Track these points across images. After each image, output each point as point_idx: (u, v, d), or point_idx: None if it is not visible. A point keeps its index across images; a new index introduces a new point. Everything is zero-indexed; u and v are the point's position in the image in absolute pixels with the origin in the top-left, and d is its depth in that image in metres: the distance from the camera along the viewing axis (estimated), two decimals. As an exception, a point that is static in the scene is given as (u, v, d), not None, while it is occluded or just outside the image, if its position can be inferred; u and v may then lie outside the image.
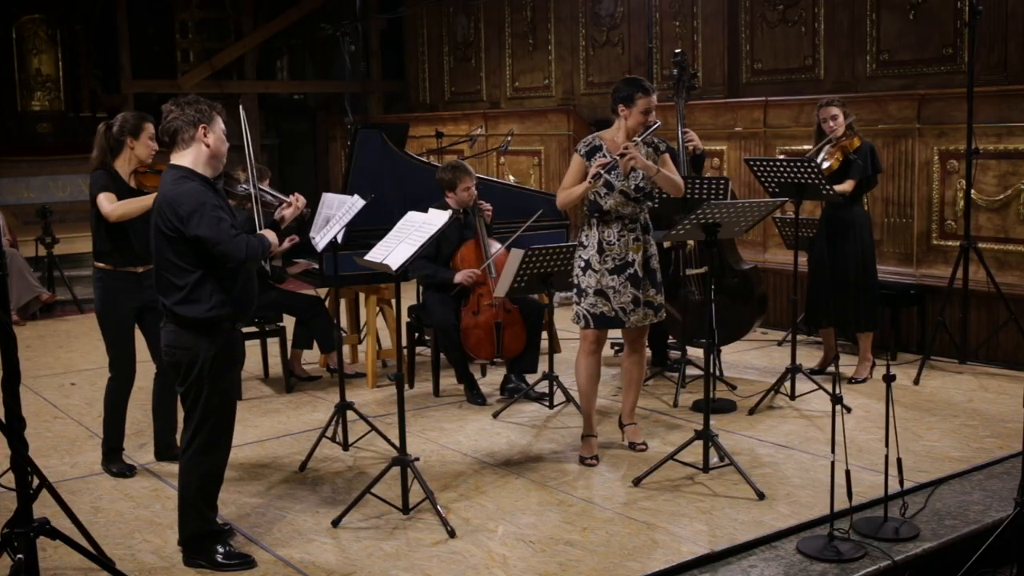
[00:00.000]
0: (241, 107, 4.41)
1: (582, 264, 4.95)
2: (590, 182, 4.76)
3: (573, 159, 4.96)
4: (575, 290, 4.99)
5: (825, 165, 6.03)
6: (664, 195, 5.81)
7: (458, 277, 5.99)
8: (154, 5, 13.37)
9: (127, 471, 4.96)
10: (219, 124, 3.87)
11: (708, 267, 5.46)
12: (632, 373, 5.12)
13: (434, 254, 6.03)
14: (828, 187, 5.79)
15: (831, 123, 6.10)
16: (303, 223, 5.02)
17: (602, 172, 4.74)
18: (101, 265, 4.85)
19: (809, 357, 6.77)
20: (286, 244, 4.20)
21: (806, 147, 7.58)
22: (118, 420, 5.00)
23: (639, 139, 4.78)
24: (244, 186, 4.23)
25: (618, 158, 4.74)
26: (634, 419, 5.23)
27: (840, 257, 6.14)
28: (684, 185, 5.04)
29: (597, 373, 5.05)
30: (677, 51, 6.61)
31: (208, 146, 3.82)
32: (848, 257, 6.12)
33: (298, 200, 4.21)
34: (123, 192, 4.75)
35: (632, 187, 4.84)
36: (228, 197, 4.04)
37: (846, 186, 6.05)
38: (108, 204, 4.70)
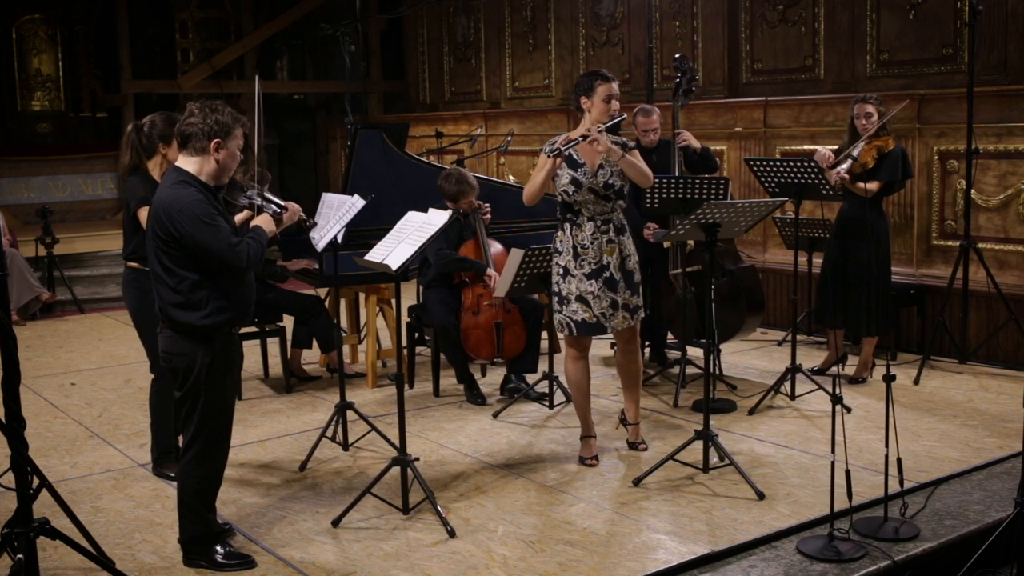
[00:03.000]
0: (257, 78, 4.31)
1: (560, 271, 4.86)
2: (548, 154, 4.64)
3: (540, 158, 4.86)
4: (554, 297, 4.92)
5: (861, 160, 5.94)
6: (662, 195, 5.84)
7: (491, 272, 5.96)
8: (154, 5, 13.38)
9: None
10: (236, 141, 3.80)
11: (701, 266, 5.44)
12: (629, 370, 5.07)
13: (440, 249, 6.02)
14: (828, 187, 5.78)
15: (864, 121, 6.01)
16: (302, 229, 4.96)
17: (563, 149, 4.62)
18: (134, 265, 4.81)
19: (809, 357, 6.78)
20: (289, 216, 4.10)
21: (806, 147, 7.62)
22: (167, 422, 4.89)
23: (604, 126, 4.70)
24: (248, 197, 4.14)
25: (580, 139, 4.66)
26: (639, 419, 5.19)
27: (854, 258, 6.08)
28: (652, 175, 4.89)
29: (587, 376, 5.03)
30: (677, 55, 6.58)
31: (217, 161, 3.78)
32: (863, 259, 6.06)
33: (293, 208, 4.16)
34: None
35: (601, 184, 4.75)
36: (228, 206, 3.99)
37: (872, 186, 5.98)
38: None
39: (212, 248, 3.66)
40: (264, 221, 3.94)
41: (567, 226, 4.83)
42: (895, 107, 6.23)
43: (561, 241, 4.86)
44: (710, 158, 6.47)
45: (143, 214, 4.66)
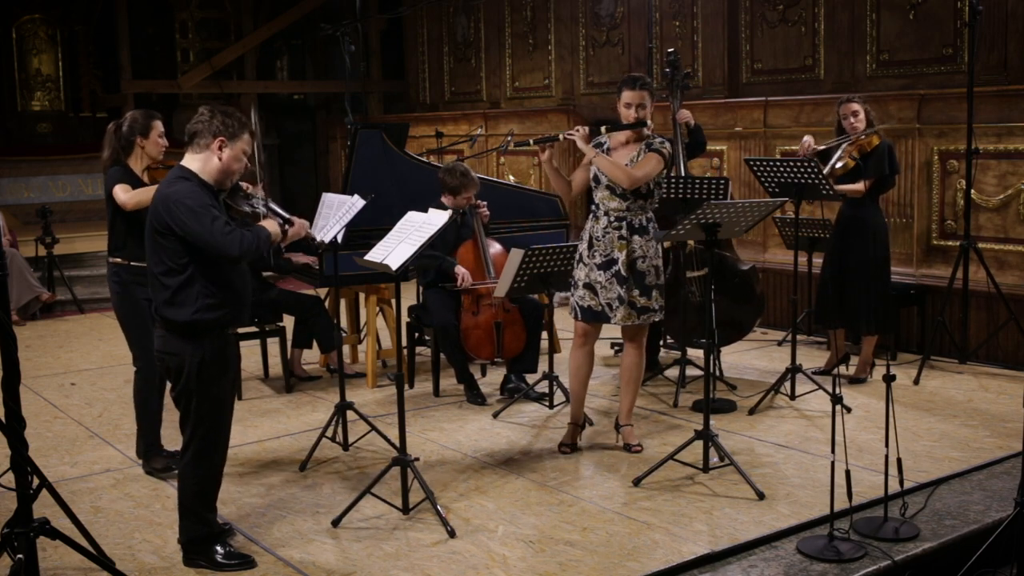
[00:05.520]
0: (253, 109, 4.37)
1: (577, 256, 5.06)
2: (530, 143, 5.00)
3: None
4: (571, 281, 5.11)
5: (839, 164, 5.99)
6: (663, 195, 5.83)
7: (459, 269, 5.99)
8: (154, 5, 13.38)
9: (172, 465, 4.84)
10: (242, 144, 3.82)
11: (708, 268, 5.46)
12: (629, 372, 5.11)
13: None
14: (828, 187, 5.78)
15: (852, 120, 6.04)
16: (307, 246, 4.98)
17: (531, 142, 4.98)
18: (115, 260, 4.86)
19: (809, 357, 6.78)
20: (296, 231, 4.10)
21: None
22: (150, 416, 4.93)
23: (604, 129, 4.93)
24: (251, 206, 4.12)
25: (561, 137, 4.91)
26: (631, 420, 5.21)
27: (853, 258, 6.08)
28: (636, 180, 4.87)
29: (586, 365, 5.10)
30: (670, 50, 6.61)
31: (220, 160, 3.79)
32: (861, 258, 6.06)
33: (300, 224, 4.17)
34: (138, 188, 4.78)
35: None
36: (228, 211, 3.98)
37: (858, 186, 5.99)
38: (124, 194, 4.72)
39: (204, 235, 3.65)
40: (270, 224, 3.93)
41: (590, 216, 5.03)
42: (878, 126, 6.21)
43: (584, 230, 5.06)
44: (700, 132, 6.48)
45: (118, 190, 4.74)
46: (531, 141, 5.00)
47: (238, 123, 3.82)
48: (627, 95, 4.88)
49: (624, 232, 4.90)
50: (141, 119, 4.86)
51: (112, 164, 4.87)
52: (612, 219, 4.91)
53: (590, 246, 4.97)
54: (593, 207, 5.00)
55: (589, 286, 4.96)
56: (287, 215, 4.08)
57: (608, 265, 4.91)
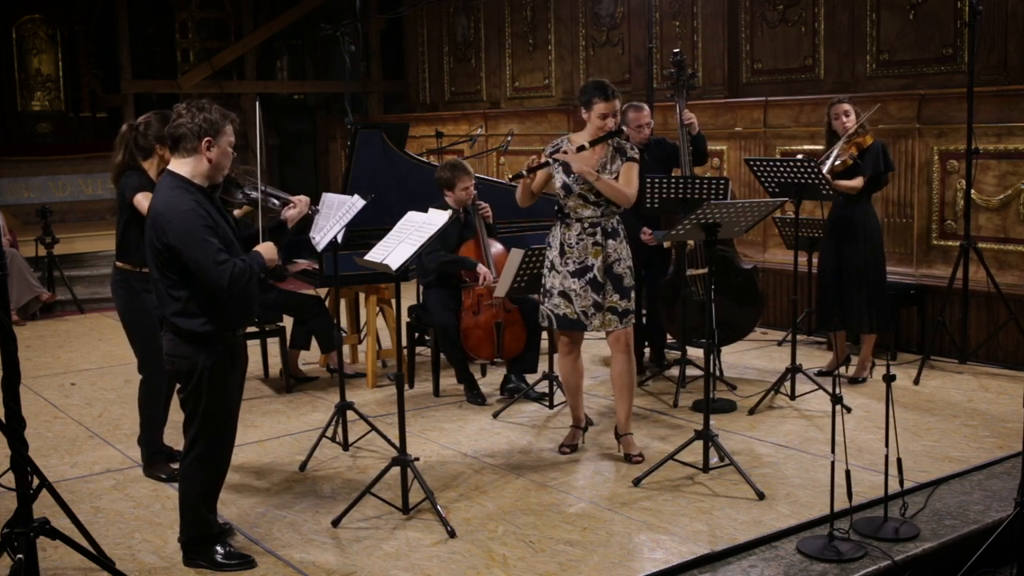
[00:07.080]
0: (258, 104, 4.34)
1: (548, 264, 4.99)
2: (523, 175, 4.85)
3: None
4: (541, 289, 5.04)
5: (838, 162, 5.99)
6: (662, 195, 5.83)
7: (481, 268, 5.98)
8: (154, 5, 13.39)
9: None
10: (227, 137, 3.75)
11: (709, 268, 5.45)
12: (621, 380, 5.01)
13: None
14: (828, 187, 5.78)
15: (843, 119, 6.05)
16: (308, 222, 5.01)
17: (524, 172, 4.84)
18: (122, 265, 4.80)
19: (809, 357, 6.77)
20: (300, 210, 4.12)
21: (806, 147, 7.61)
22: (156, 423, 4.89)
23: (587, 142, 4.80)
24: (245, 194, 4.14)
25: (552, 161, 4.82)
26: (630, 429, 5.11)
27: (849, 258, 6.09)
28: (634, 196, 4.85)
29: (574, 374, 5.09)
30: (676, 50, 6.59)
31: (210, 160, 3.73)
32: (857, 258, 6.07)
33: (301, 201, 4.19)
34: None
35: (590, 190, 4.83)
36: (226, 205, 3.97)
37: (855, 182, 6.00)
38: (146, 201, 4.56)
39: (199, 262, 3.62)
40: (266, 249, 3.88)
41: (559, 224, 4.96)
42: (871, 108, 6.26)
43: (553, 237, 4.99)
44: (702, 141, 6.41)
45: (140, 198, 4.66)
46: (524, 171, 4.83)
47: (219, 115, 3.73)
48: (602, 107, 4.76)
49: (599, 238, 4.87)
50: (160, 128, 4.72)
51: (126, 168, 4.78)
52: (586, 226, 4.86)
53: (562, 253, 4.90)
54: (562, 215, 4.92)
55: (564, 294, 4.90)
56: (285, 195, 4.09)
57: (582, 272, 4.86)
